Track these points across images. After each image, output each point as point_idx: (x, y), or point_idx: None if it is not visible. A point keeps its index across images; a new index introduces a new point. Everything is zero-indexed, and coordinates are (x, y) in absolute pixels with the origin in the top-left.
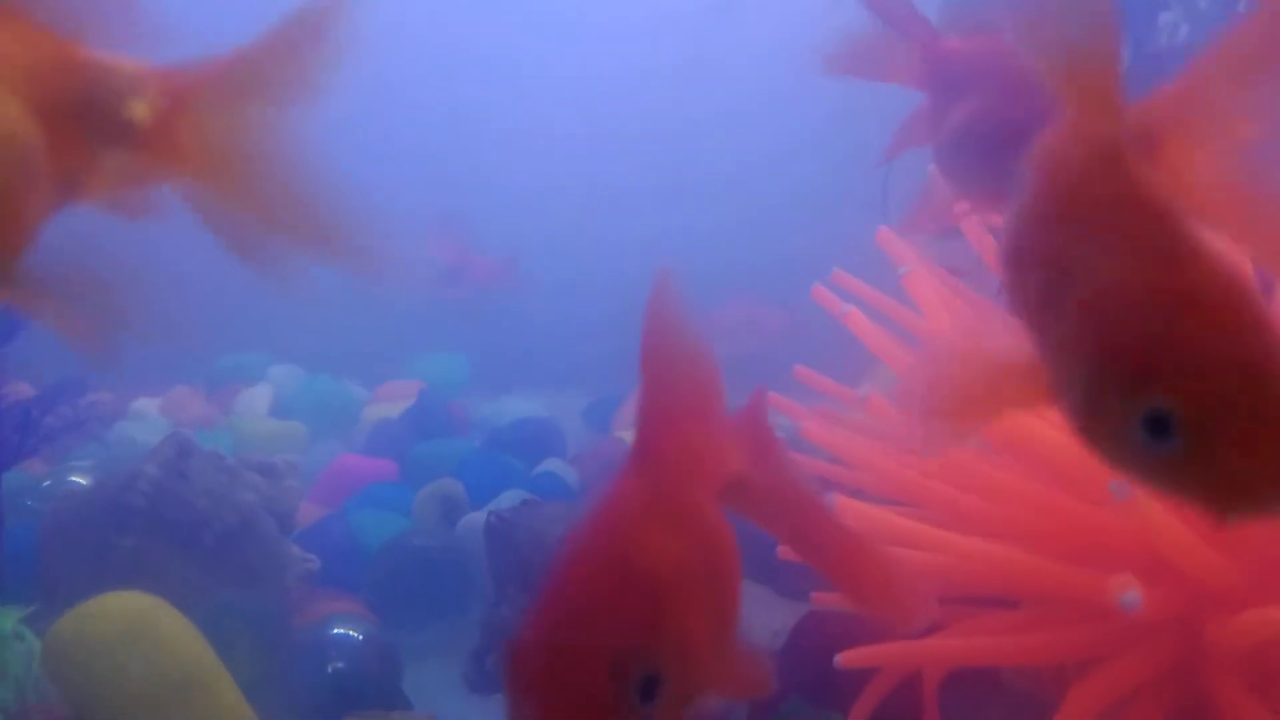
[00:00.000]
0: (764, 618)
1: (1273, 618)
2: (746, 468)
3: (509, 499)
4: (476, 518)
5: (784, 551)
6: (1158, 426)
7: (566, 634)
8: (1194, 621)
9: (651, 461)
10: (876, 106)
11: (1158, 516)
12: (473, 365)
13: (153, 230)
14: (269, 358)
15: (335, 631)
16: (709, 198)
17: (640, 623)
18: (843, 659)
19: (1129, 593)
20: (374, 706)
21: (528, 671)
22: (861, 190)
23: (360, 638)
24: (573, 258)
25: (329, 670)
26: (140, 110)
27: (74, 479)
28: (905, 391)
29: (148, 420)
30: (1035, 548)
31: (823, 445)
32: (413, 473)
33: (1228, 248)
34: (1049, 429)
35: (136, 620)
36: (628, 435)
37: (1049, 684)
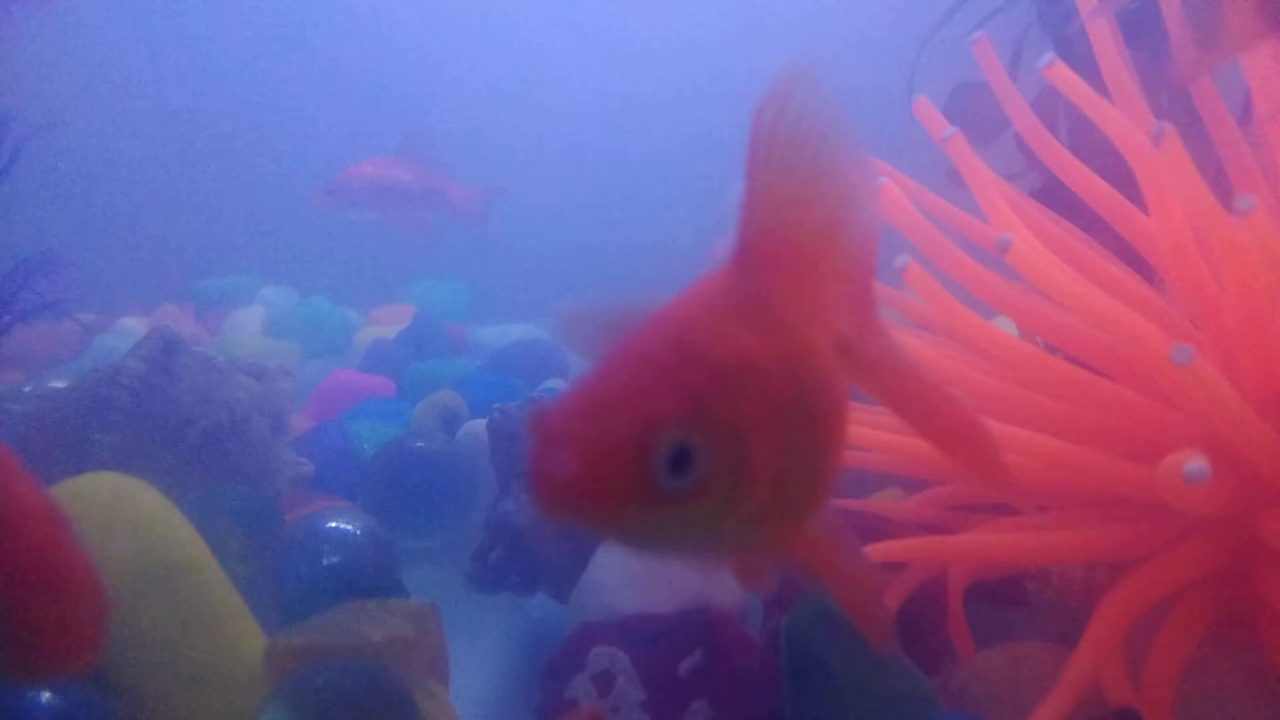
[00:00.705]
0: None
1: None
2: (853, 331)
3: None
4: (477, 424)
5: None
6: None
7: (599, 391)
8: (1249, 516)
9: (752, 262)
10: None
11: (1223, 390)
12: (474, 294)
13: (155, 155)
14: (260, 280)
15: (329, 525)
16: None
17: (682, 393)
18: (871, 552)
19: (1193, 464)
20: (368, 592)
21: (550, 425)
22: None
23: (356, 531)
24: (584, 181)
25: (324, 564)
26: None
27: (53, 385)
28: None
29: (135, 336)
30: (1080, 440)
31: None
32: (410, 390)
33: None
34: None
35: (116, 499)
36: None
37: (1076, 594)
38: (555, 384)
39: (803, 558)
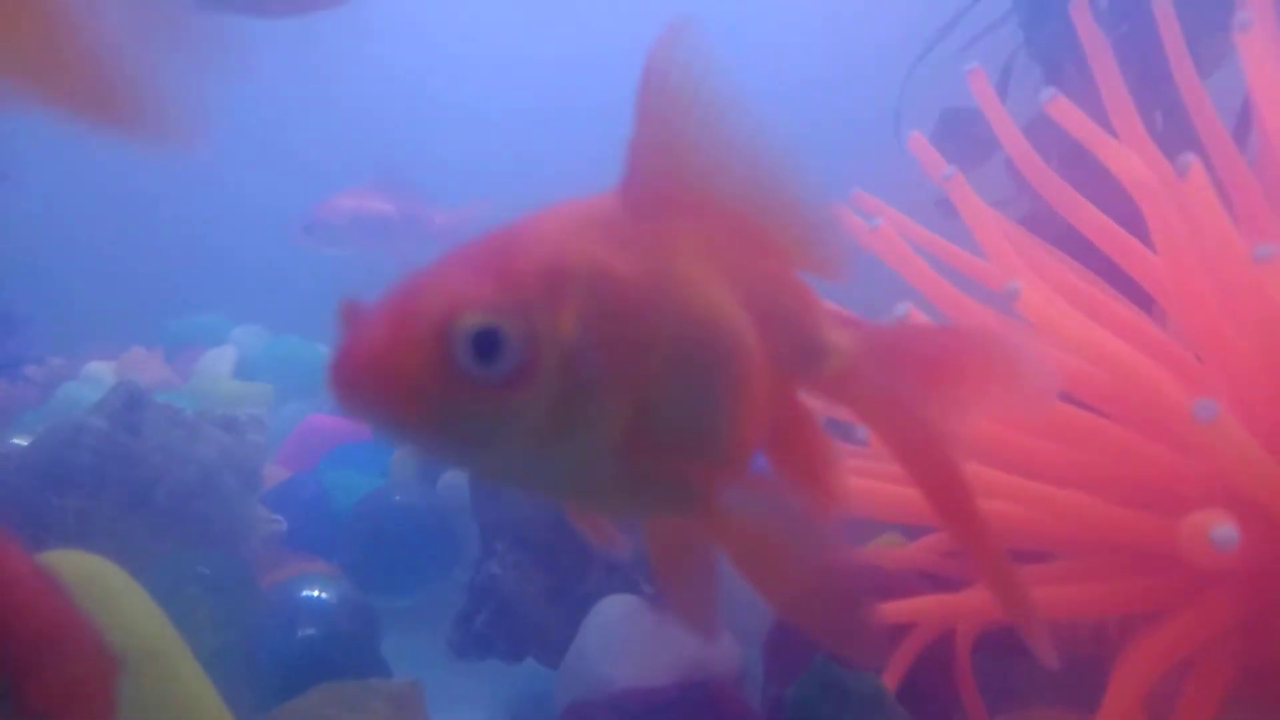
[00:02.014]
0: None
1: None
2: (843, 343)
3: None
4: (459, 475)
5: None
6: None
7: (416, 281)
8: (1271, 569)
9: (641, 198)
10: None
11: (1246, 444)
12: None
13: (122, 191)
14: (231, 319)
15: (305, 594)
16: None
17: (500, 279)
18: (878, 614)
19: (1221, 528)
20: (350, 675)
21: (356, 314)
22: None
23: (332, 599)
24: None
25: (298, 637)
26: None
27: (15, 441)
28: None
29: (99, 383)
30: (1090, 487)
31: None
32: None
33: None
34: (1111, 357)
35: (79, 583)
36: None
37: (1085, 643)
38: None
39: (714, 538)
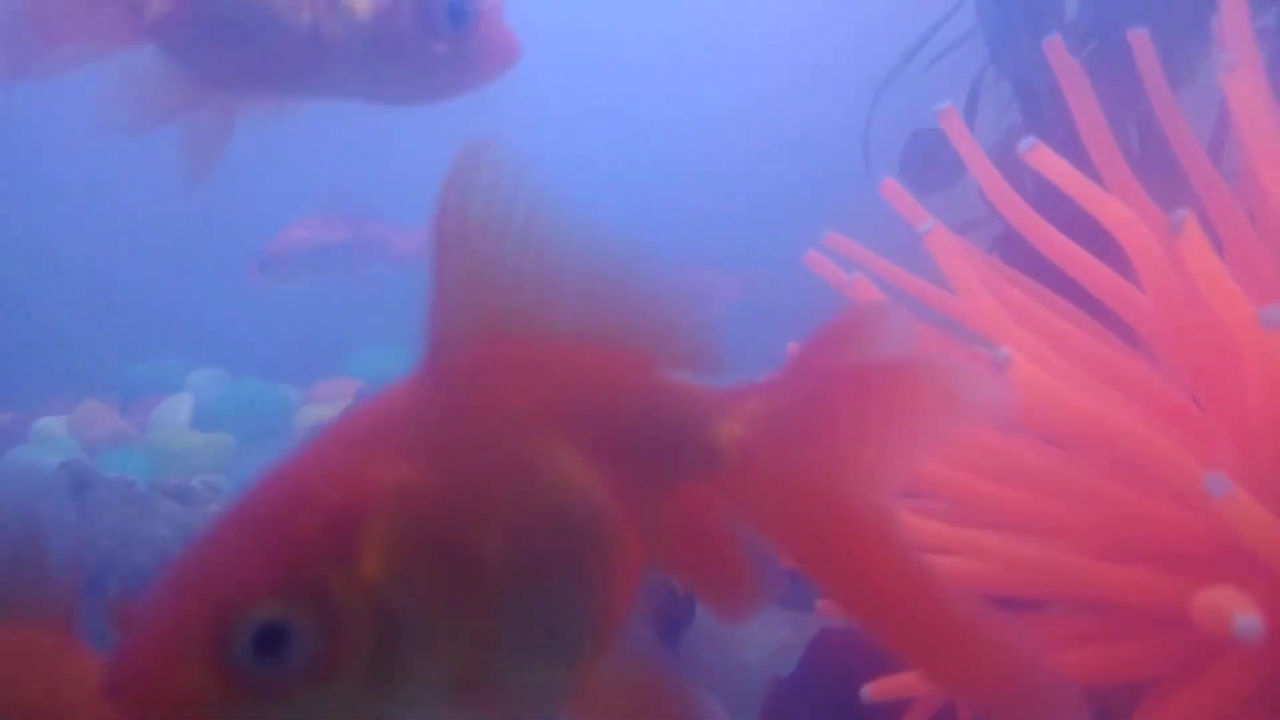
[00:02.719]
0: (767, 633)
1: None
2: (756, 438)
3: None
4: None
5: (789, 560)
6: None
7: (189, 566)
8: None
9: (443, 369)
10: None
11: (1255, 515)
12: (412, 357)
13: (64, 232)
14: (187, 363)
15: None
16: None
17: (281, 552)
18: (871, 691)
19: (1245, 619)
20: None
21: (132, 618)
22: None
23: None
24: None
25: None
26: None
27: None
28: None
29: (53, 442)
30: (1089, 550)
31: None
32: None
33: None
34: (1108, 415)
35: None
36: None
37: (1093, 706)
38: None
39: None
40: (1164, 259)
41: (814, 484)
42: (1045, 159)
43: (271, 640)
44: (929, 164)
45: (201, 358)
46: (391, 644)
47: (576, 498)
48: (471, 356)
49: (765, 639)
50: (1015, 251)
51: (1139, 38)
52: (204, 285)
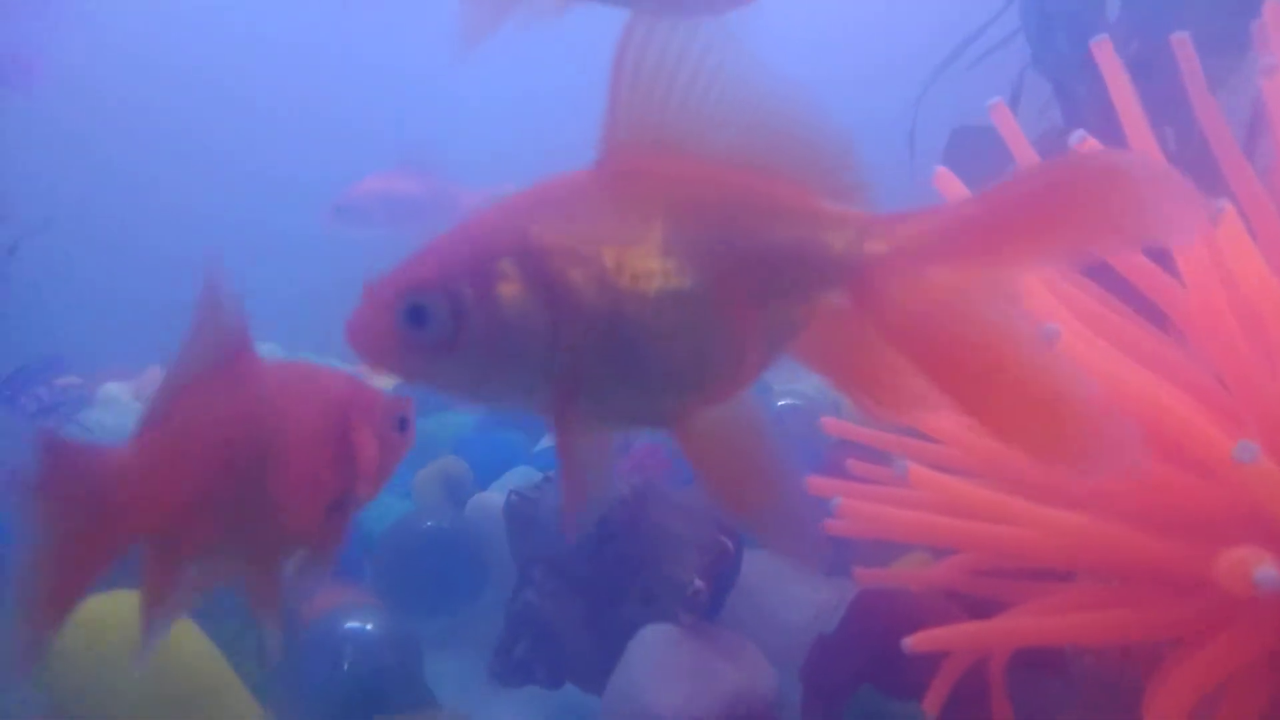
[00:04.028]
0: (807, 595)
1: None
2: (881, 258)
3: (520, 476)
4: (486, 498)
5: (835, 527)
6: None
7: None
8: None
9: (606, 169)
10: None
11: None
12: None
13: (134, 212)
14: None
15: (348, 626)
16: None
17: (438, 266)
18: (911, 644)
19: (1264, 569)
20: (396, 702)
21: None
22: None
23: (375, 631)
24: None
25: (344, 668)
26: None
27: None
28: None
29: (119, 405)
30: (1117, 517)
31: None
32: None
33: None
34: (1142, 388)
35: (135, 621)
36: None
37: (1115, 664)
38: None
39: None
40: (1202, 247)
41: (945, 306)
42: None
43: (418, 316)
44: (969, 161)
45: (260, 333)
46: (498, 345)
47: (673, 285)
48: (628, 163)
49: (806, 601)
50: None
51: (1180, 41)
52: (264, 266)
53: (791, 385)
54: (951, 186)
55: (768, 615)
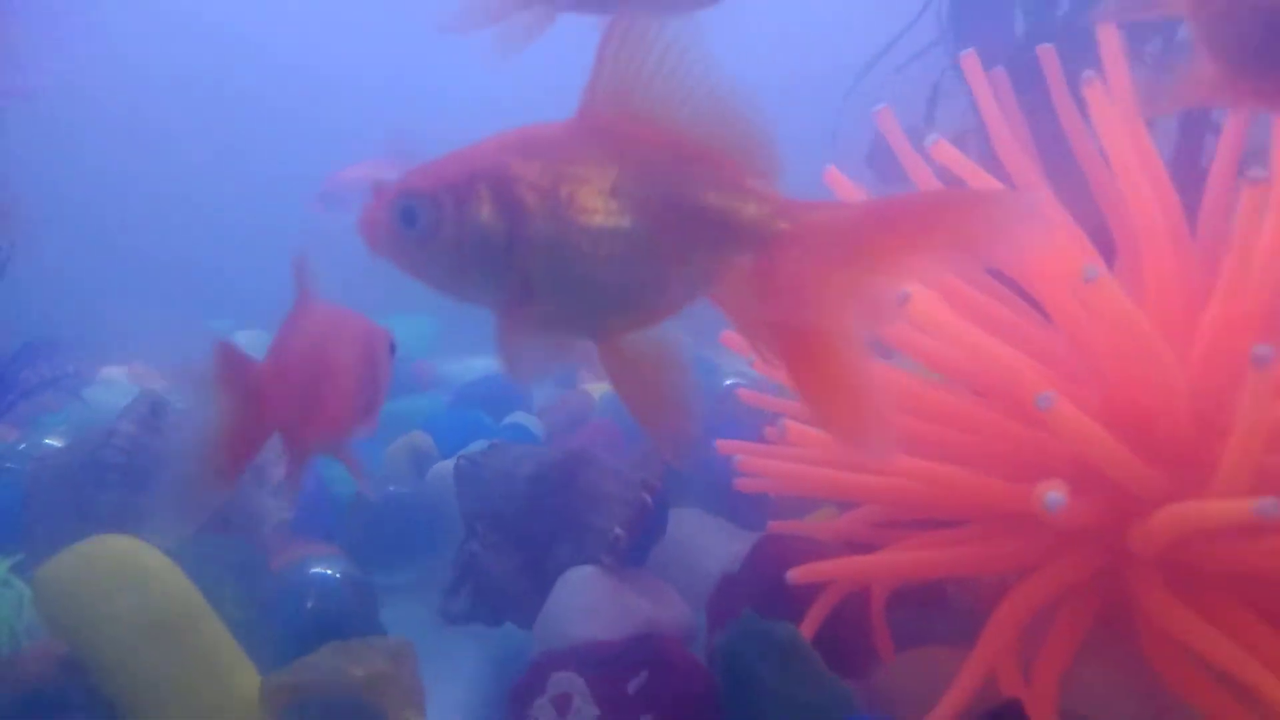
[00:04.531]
0: (725, 546)
1: (1185, 512)
2: (781, 231)
3: (477, 448)
4: (445, 466)
5: (744, 485)
6: None
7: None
8: (1119, 528)
9: (581, 124)
10: None
11: (1085, 426)
12: (441, 326)
13: (130, 207)
14: (233, 325)
15: (312, 571)
16: None
17: (428, 177)
18: (792, 575)
19: (1051, 494)
20: (351, 636)
21: (376, 193)
22: None
23: (336, 576)
24: None
25: (308, 607)
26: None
27: (48, 441)
28: None
29: (117, 386)
30: (978, 467)
31: (770, 374)
32: (382, 429)
33: None
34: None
35: (123, 560)
36: (594, 388)
37: (987, 599)
38: (519, 417)
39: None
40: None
41: (814, 288)
42: (945, 151)
43: (409, 216)
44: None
45: (245, 321)
46: (465, 248)
47: (617, 224)
48: (600, 121)
49: (723, 551)
50: None
51: (1046, 52)
52: (252, 259)
53: (739, 367)
54: (840, 185)
55: (689, 564)
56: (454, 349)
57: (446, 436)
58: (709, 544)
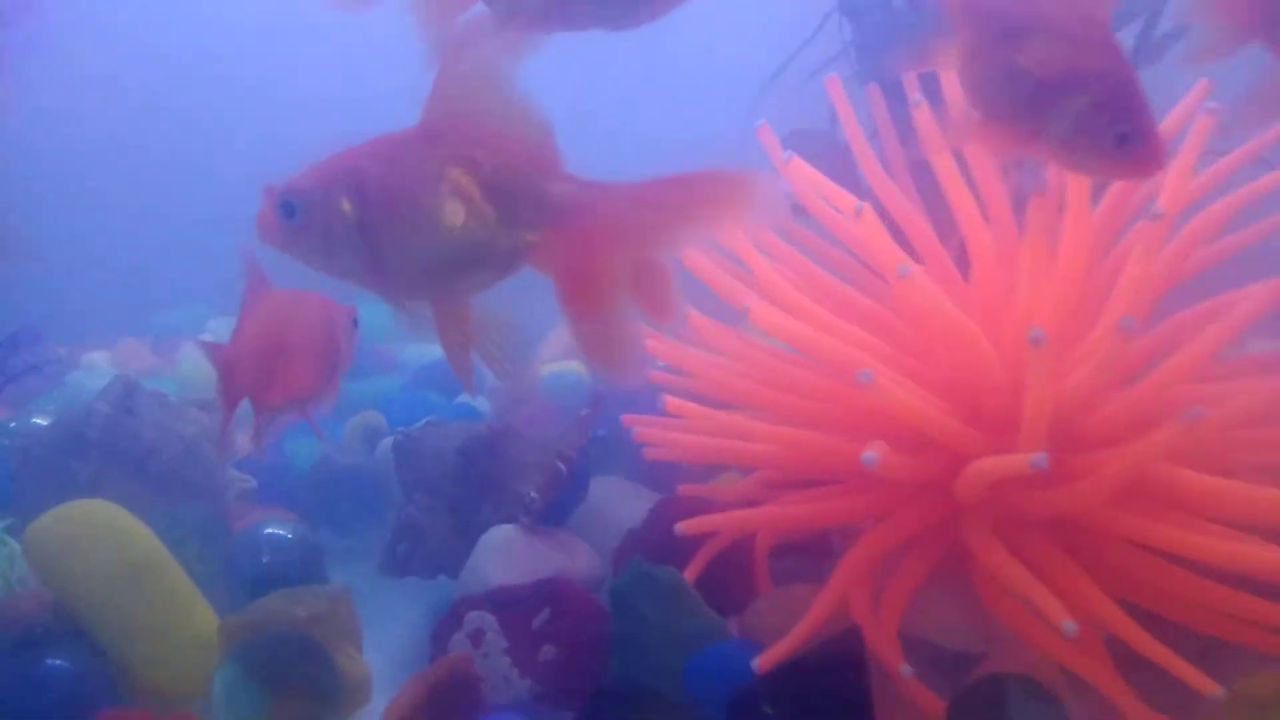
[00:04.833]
0: (637, 508)
1: (983, 466)
2: (568, 208)
3: (416, 425)
4: (390, 441)
5: (650, 454)
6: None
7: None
8: (949, 484)
9: (421, 131)
10: None
11: (903, 397)
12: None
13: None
14: (208, 311)
15: (267, 531)
16: None
17: (305, 178)
18: (679, 527)
19: (867, 453)
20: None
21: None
22: None
23: (289, 535)
24: None
25: (262, 561)
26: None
27: (35, 420)
28: None
29: (98, 371)
30: (830, 431)
31: (661, 357)
32: (342, 409)
33: None
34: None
35: (100, 521)
36: (543, 368)
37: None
38: (466, 398)
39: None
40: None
41: (608, 254)
42: (799, 169)
43: (288, 210)
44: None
45: (220, 308)
46: (329, 236)
47: (449, 208)
48: (438, 125)
49: (635, 512)
50: None
51: (874, 91)
52: (225, 249)
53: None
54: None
55: (605, 524)
56: (413, 334)
57: (399, 415)
58: (624, 507)
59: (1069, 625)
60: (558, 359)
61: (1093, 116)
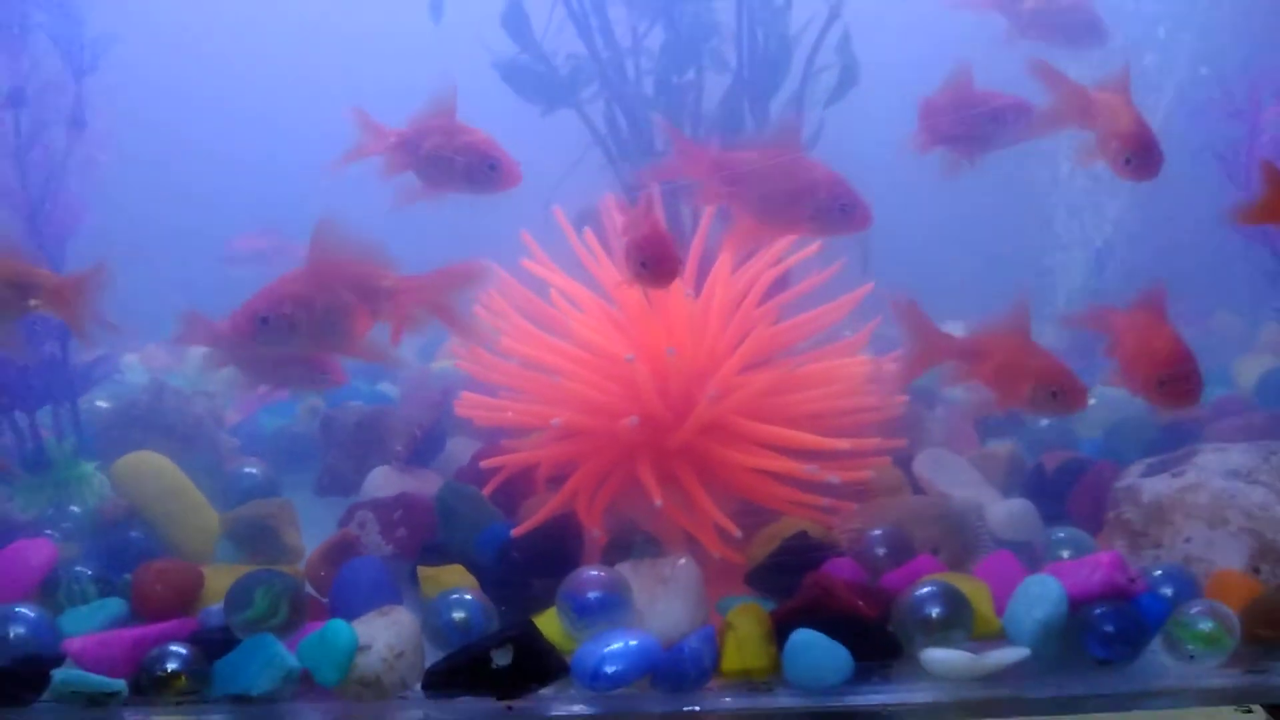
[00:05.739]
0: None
1: (624, 422)
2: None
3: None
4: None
5: (478, 418)
6: None
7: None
8: (647, 437)
9: (314, 269)
10: None
11: (641, 378)
12: None
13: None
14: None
15: (244, 471)
16: None
17: (263, 300)
18: (482, 463)
19: (632, 419)
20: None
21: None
22: None
23: (257, 474)
24: None
25: (243, 486)
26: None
27: (99, 403)
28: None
29: (134, 369)
30: (564, 407)
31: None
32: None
33: None
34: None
35: (150, 462)
36: (439, 364)
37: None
38: (384, 386)
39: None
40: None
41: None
42: (530, 241)
43: (258, 319)
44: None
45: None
46: (274, 334)
47: (340, 299)
48: (322, 264)
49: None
50: None
51: (606, 202)
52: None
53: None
54: (535, 252)
55: (454, 464)
56: None
57: (335, 396)
58: (467, 454)
59: (658, 502)
60: (445, 359)
61: None
